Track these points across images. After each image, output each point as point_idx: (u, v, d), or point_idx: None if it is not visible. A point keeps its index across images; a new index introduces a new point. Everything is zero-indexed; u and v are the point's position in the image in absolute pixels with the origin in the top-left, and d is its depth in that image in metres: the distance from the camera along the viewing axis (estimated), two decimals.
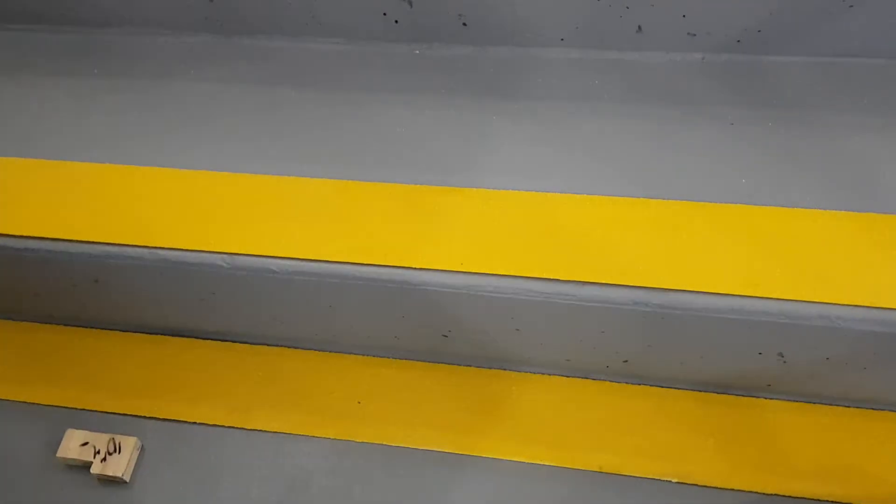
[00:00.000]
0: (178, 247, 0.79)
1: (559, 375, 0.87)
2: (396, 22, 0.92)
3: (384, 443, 0.85)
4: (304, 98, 0.91)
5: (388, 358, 0.90)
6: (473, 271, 0.75)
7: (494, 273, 0.74)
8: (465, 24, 0.91)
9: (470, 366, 0.88)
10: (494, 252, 0.75)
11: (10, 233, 0.82)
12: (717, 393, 0.85)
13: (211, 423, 0.88)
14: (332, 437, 0.86)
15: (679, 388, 0.86)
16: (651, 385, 0.86)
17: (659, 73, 0.88)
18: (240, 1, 0.94)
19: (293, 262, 0.78)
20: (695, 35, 0.87)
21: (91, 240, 0.81)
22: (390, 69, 0.93)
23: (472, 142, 0.85)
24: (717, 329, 0.73)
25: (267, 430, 0.87)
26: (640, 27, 0.87)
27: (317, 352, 0.92)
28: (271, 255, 0.78)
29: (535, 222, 0.77)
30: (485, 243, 0.76)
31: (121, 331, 0.95)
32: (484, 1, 0.88)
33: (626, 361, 0.82)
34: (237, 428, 0.87)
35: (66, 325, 0.97)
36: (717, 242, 0.73)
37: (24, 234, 0.82)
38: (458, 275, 0.75)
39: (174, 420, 0.88)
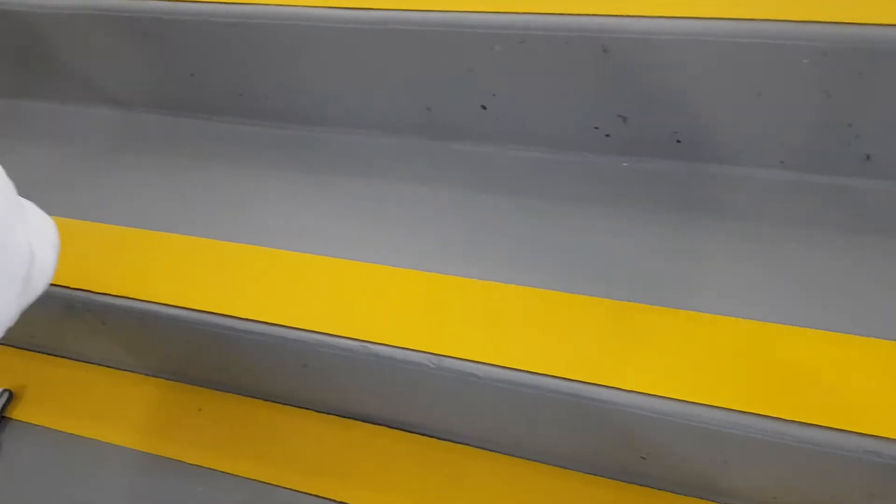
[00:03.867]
0: (388, 342, 0.82)
1: None
2: (607, 136, 0.93)
3: None
4: (507, 203, 0.94)
5: (578, 472, 0.88)
6: (684, 399, 0.72)
7: (707, 403, 0.72)
8: (678, 142, 0.90)
9: (665, 490, 0.85)
10: (708, 380, 0.73)
11: (232, 314, 0.88)
12: None
13: None
14: None
15: None
16: None
17: (885, 203, 0.84)
18: (454, 111, 0.98)
19: (497, 370, 0.78)
20: None
21: (304, 328, 0.86)
22: (596, 180, 0.94)
23: (681, 260, 0.84)
24: None
25: None
26: (868, 156, 0.84)
27: (505, 455, 0.92)
28: (476, 360, 0.79)
29: (752, 352, 0.74)
30: (697, 370, 0.74)
31: (318, 411, 0.99)
32: (702, 120, 0.88)
33: None
34: None
35: (266, 399, 1.01)
36: None
37: (244, 316, 0.87)
38: (667, 401, 0.73)
39: None
